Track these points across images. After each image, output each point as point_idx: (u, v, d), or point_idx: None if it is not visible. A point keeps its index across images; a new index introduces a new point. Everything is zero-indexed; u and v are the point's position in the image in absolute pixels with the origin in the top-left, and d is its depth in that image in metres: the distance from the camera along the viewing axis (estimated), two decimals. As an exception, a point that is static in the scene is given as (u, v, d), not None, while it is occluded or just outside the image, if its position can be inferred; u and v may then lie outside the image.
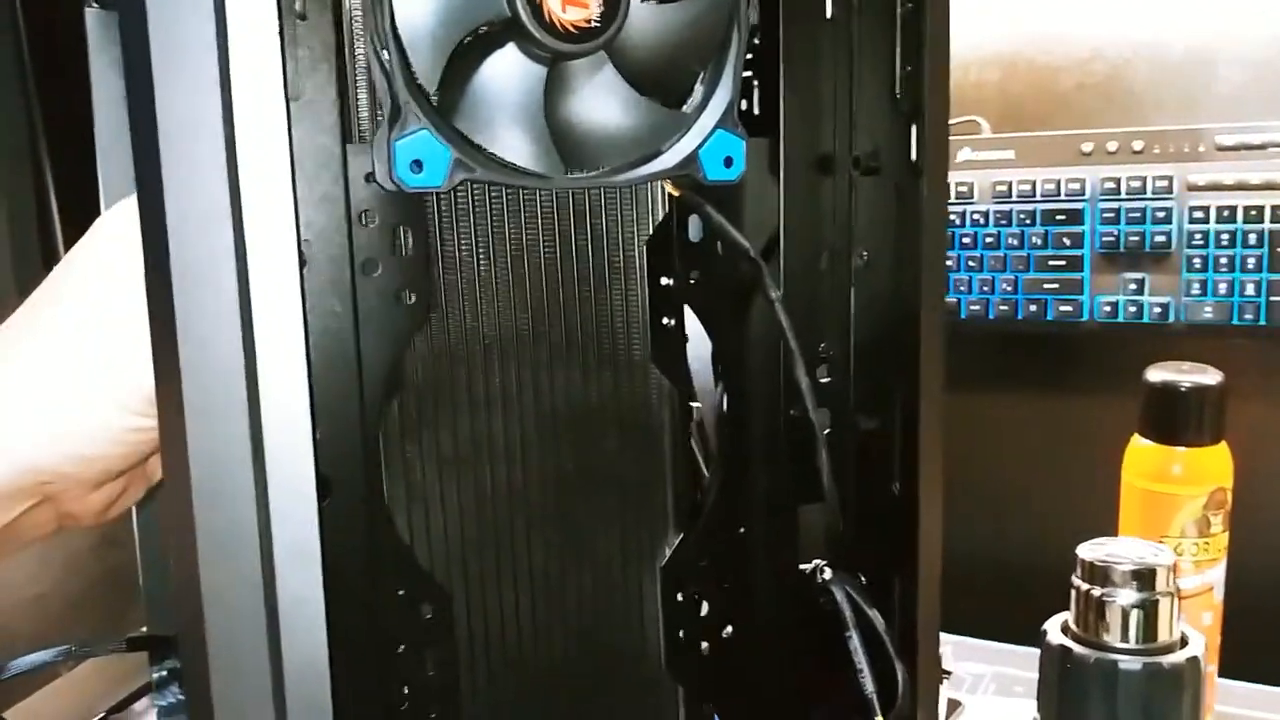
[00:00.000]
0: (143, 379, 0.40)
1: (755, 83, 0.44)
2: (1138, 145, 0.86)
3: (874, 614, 0.44)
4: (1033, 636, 0.76)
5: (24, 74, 0.98)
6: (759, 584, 0.47)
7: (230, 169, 0.32)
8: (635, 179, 0.40)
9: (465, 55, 0.37)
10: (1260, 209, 0.83)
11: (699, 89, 0.41)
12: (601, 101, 0.39)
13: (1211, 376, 0.73)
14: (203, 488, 0.33)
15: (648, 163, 0.40)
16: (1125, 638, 0.44)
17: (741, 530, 0.47)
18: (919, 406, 0.41)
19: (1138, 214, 0.86)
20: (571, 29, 0.38)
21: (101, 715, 0.78)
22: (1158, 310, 0.87)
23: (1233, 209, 0.83)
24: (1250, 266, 0.84)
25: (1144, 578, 0.44)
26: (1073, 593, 0.46)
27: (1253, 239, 0.84)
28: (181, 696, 0.75)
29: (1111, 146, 0.87)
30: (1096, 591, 0.45)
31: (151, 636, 0.77)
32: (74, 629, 0.87)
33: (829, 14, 0.43)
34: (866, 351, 0.45)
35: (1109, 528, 0.76)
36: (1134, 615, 0.44)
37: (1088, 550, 0.46)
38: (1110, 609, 0.45)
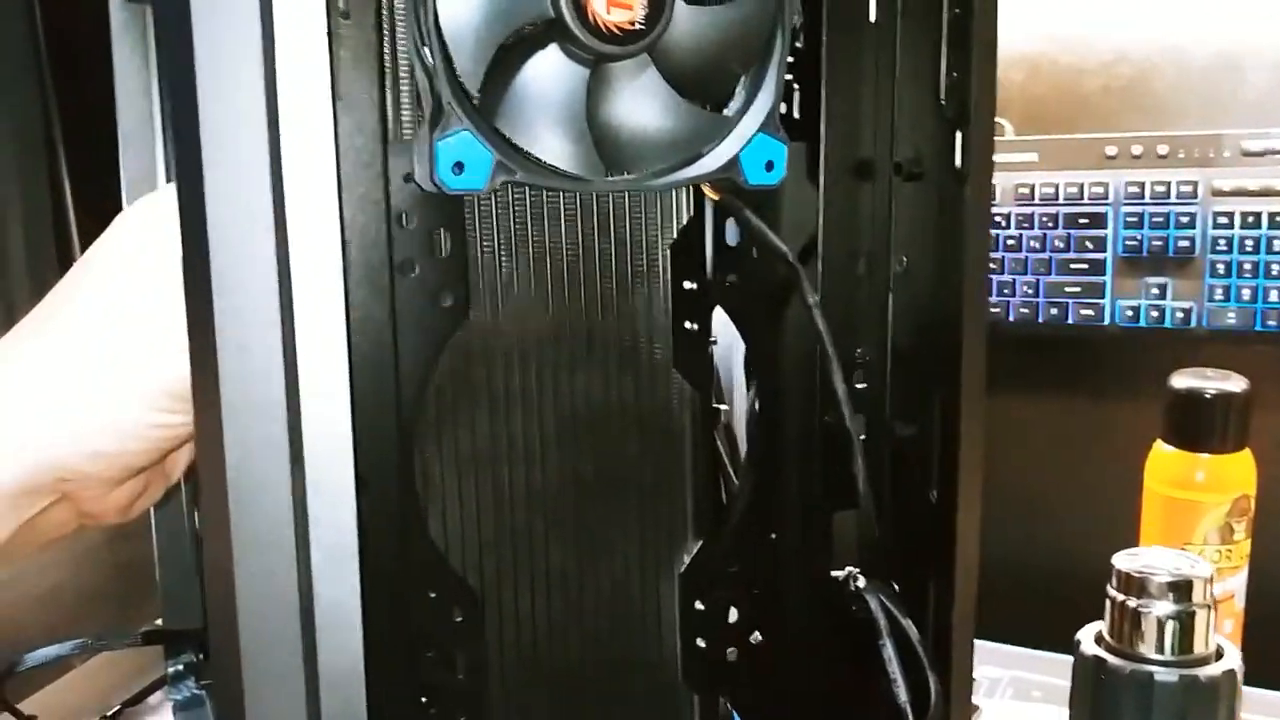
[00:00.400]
0: (162, 374, 0.40)
1: (795, 86, 0.44)
2: (1163, 149, 0.86)
3: (908, 623, 0.43)
4: (1051, 641, 0.76)
5: (40, 63, 0.98)
6: (790, 590, 0.47)
7: (274, 168, 0.31)
8: (675, 182, 0.40)
9: (507, 56, 0.37)
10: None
11: (740, 92, 0.40)
12: (643, 104, 0.39)
13: (1236, 383, 0.73)
14: (239, 487, 0.33)
15: (688, 166, 0.40)
16: (1161, 649, 0.44)
17: (773, 536, 0.47)
18: (960, 414, 0.41)
19: (1161, 218, 0.86)
20: (615, 30, 0.37)
21: (116, 708, 0.78)
22: (1180, 315, 0.86)
23: (1258, 215, 0.83)
24: (1274, 273, 0.84)
25: (1181, 589, 0.44)
26: (1107, 603, 0.45)
27: (1277, 245, 0.83)
28: (197, 690, 0.74)
29: (1136, 150, 0.86)
30: (1132, 602, 0.44)
31: (167, 631, 0.77)
32: (86, 622, 0.87)
33: (873, 17, 0.42)
34: (904, 358, 0.44)
35: (1127, 532, 0.76)
36: (1170, 627, 0.44)
37: (1123, 560, 0.45)
38: (1146, 620, 0.44)
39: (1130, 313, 0.88)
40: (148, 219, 0.42)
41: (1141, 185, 0.86)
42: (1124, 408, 0.92)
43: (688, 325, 0.46)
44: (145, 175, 0.71)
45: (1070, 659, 0.47)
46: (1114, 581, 0.45)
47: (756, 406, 0.46)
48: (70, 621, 0.88)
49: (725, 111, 0.40)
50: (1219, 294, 0.85)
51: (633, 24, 0.37)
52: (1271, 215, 0.82)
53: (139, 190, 0.71)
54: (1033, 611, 0.77)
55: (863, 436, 0.45)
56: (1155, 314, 0.87)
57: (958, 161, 0.40)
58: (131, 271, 0.41)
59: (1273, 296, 0.84)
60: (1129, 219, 0.87)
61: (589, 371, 0.44)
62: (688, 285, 0.46)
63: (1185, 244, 0.86)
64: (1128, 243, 0.87)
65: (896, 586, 0.45)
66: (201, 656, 0.74)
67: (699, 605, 0.47)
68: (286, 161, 0.31)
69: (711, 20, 0.39)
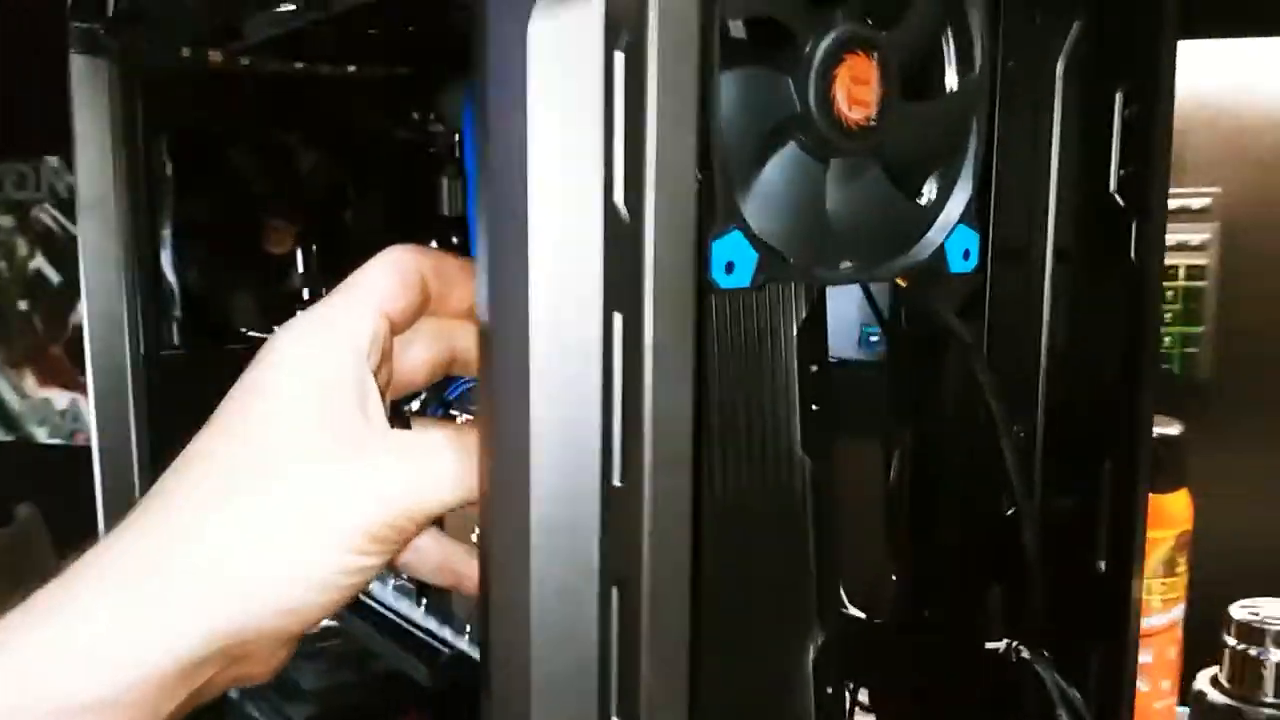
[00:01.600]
0: (356, 515, 0.36)
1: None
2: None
3: (1074, 694, 0.45)
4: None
5: None
6: (944, 664, 0.47)
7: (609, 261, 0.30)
8: (892, 272, 0.40)
9: (760, 152, 0.36)
10: (1175, 269, 0.91)
11: (934, 184, 0.41)
12: (865, 197, 0.39)
13: (1173, 427, 0.79)
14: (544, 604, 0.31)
15: (900, 256, 0.40)
16: (1280, 694, 0.48)
17: (926, 613, 0.47)
18: (1136, 486, 0.43)
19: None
20: (854, 127, 0.37)
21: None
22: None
23: (1174, 269, 0.90)
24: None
25: (1299, 637, 0.48)
26: (1226, 652, 0.49)
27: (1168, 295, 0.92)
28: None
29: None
30: (1253, 651, 0.48)
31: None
32: None
33: (1038, 108, 0.44)
34: (1061, 435, 0.46)
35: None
36: (1290, 673, 0.48)
37: (1240, 612, 0.49)
38: (1266, 667, 0.48)
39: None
40: (310, 346, 0.38)
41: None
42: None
43: (813, 407, 0.46)
44: (103, 244, 0.65)
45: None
46: (1231, 630, 0.49)
47: (909, 478, 0.47)
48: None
49: (919, 201, 0.41)
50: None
51: (867, 120, 0.38)
52: (1188, 269, 0.90)
53: (97, 257, 0.64)
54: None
55: (1010, 511, 0.46)
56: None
57: (1131, 251, 0.42)
58: (300, 409, 0.37)
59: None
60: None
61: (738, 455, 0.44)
62: (812, 368, 0.46)
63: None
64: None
65: (1048, 656, 0.46)
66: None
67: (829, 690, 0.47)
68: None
69: (923, 115, 0.39)
